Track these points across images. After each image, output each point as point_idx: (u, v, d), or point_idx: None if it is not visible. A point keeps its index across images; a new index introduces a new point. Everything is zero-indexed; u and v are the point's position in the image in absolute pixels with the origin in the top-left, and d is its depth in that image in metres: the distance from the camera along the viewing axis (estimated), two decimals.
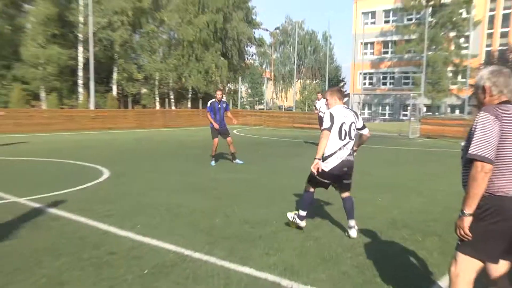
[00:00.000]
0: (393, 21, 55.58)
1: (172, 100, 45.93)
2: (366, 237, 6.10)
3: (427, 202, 8.38)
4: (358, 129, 6.00)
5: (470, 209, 3.08)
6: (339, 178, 6.03)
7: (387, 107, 55.76)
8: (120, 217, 6.87)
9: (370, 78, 58.79)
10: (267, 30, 66.63)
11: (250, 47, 57.82)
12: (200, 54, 43.73)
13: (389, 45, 56.54)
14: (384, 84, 57.70)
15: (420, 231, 6.47)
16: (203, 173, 11.16)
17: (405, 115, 48.77)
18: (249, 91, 76.74)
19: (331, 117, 5.79)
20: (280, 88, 77.78)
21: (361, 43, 52.56)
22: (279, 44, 75.98)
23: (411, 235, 6.24)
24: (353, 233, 6.04)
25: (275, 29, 71.11)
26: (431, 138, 24.97)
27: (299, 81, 71.78)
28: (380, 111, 55.55)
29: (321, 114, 17.44)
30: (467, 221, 3.10)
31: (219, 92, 12.76)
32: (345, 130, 5.82)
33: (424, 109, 48.85)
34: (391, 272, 4.88)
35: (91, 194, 8.42)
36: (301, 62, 74.41)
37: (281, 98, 77.05)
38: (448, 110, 50.10)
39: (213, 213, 7.16)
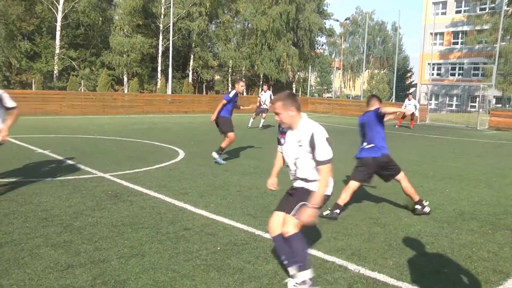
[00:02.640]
0: (465, 11, 53.04)
1: (244, 87, 46.31)
2: (433, 227, 5.86)
3: (497, 195, 7.93)
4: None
5: None
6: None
7: (455, 98, 53.48)
8: (195, 195, 6.98)
9: (439, 69, 56.59)
10: (337, 20, 64.83)
11: (321, 37, 57.01)
12: (273, 43, 43.61)
13: (459, 35, 54.08)
14: (453, 74, 55.40)
15: (490, 223, 6.13)
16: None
17: (473, 107, 46.58)
18: (318, 79, 75.91)
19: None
20: (348, 77, 76.34)
21: (431, 34, 50.44)
22: (348, 34, 74.36)
23: (481, 227, 5.92)
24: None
25: (345, 19, 69.44)
26: (501, 131, 23.68)
27: (367, 70, 70.22)
28: (447, 101, 53.44)
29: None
30: None
31: (242, 84, 10.84)
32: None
33: (494, 100, 46.42)
34: (459, 263, 4.65)
35: (168, 173, 8.61)
36: (369, 52, 72.51)
37: (349, 87, 75.65)
38: None
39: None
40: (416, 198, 6.39)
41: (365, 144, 6.35)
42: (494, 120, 25.28)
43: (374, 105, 6.45)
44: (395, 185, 8.25)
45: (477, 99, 34.99)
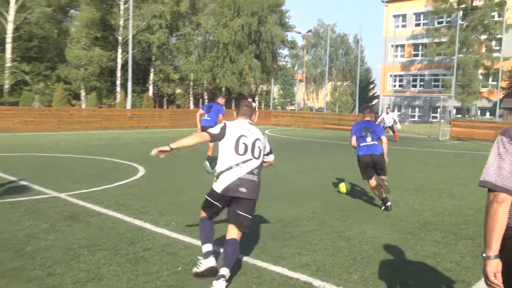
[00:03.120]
0: (423, 24, 54.68)
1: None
2: (398, 239, 5.94)
3: (458, 204, 8.14)
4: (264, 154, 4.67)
5: (489, 250, 2.37)
6: (228, 202, 4.45)
7: (417, 109, 54.86)
8: (155, 214, 6.87)
9: (400, 80, 57.97)
10: (299, 33, 65.80)
11: (283, 49, 57.68)
12: (235, 56, 43.84)
13: (420, 47, 55.64)
14: (414, 86, 56.82)
15: (452, 233, 6.27)
16: None
17: (435, 117, 47.85)
18: (281, 92, 76.52)
19: (223, 127, 4.55)
20: (311, 89, 77.30)
21: (392, 46, 51.83)
22: (311, 46, 75.44)
23: (444, 238, 6.04)
24: (220, 285, 4.08)
25: (308, 32, 70.50)
26: (461, 141, 24.39)
27: (330, 82, 71.28)
28: (409, 113, 54.75)
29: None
30: (491, 265, 2.34)
31: (223, 99, 13.00)
32: (244, 143, 4.48)
33: (454, 111, 47.86)
34: (423, 274, 4.72)
35: (127, 191, 8.46)
36: (332, 64, 73.71)
37: (312, 99, 76.57)
38: (479, 112, 48.96)
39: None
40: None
41: (368, 139, 7.75)
42: (455, 130, 26.05)
43: (368, 116, 8.06)
44: (359, 197, 8.36)
45: (438, 110, 35.98)
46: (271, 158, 4.79)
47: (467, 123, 27.50)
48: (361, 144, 7.75)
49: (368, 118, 8.07)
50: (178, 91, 47.24)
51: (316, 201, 8.07)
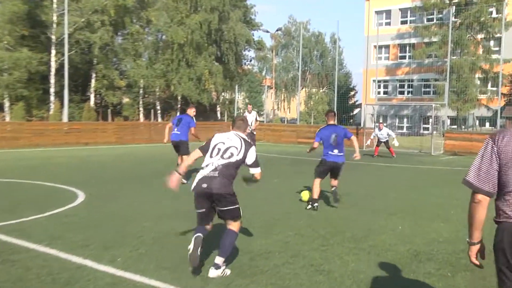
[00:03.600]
0: (411, 21, 55.81)
1: (159, 111, 45.99)
2: (385, 272, 5.98)
3: (456, 230, 8.27)
4: (247, 165, 6.12)
5: (471, 238, 3.34)
6: (205, 200, 5.88)
7: (405, 120, 55.80)
8: (98, 247, 6.75)
9: (385, 87, 58.88)
10: (267, 31, 66.02)
11: (249, 51, 58.13)
12: (192, 59, 43.90)
13: (407, 48, 56.74)
14: (402, 93, 57.76)
15: (449, 264, 6.35)
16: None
17: (426, 129, 48.67)
18: (247, 100, 76.85)
19: (209, 139, 6.26)
20: (282, 97, 77.91)
21: (375, 47, 52.59)
22: (281, 47, 76.24)
23: (438, 270, 6.11)
24: (212, 273, 5.59)
25: (277, 30, 71.13)
26: (458, 156, 24.91)
27: (303, 89, 71.91)
28: (397, 123, 55.53)
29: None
30: (473, 250, 3.36)
31: (194, 109, 14.90)
32: (218, 148, 6.03)
33: (448, 121, 48.58)
34: None
35: (63, 221, 8.31)
36: (306, 68, 74.63)
37: (283, 109, 77.17)
38: (477, 123, 49.69)
39: (208, 243, 7.04)
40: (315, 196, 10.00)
41: (336, 151, 10.03)
42: (450, 143, 26.59)
43: (332, 120, 10.28)
44: (339, 224, 8.42)
45: (430, 120, 36.64)
46: (252, 171, 6.20)
47: (463, 135, 28.09)
48: (329, 152, 10.08)
49: (332, 122, 10.24)
50: (126, 100, 46.96)
51: (290, 229, 8.07)
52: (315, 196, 9.92)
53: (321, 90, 73.16)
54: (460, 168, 19.26)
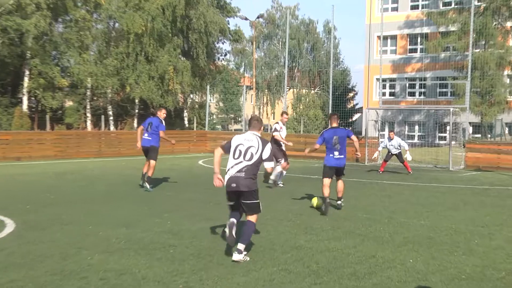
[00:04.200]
0: (423, 6, 55.99)
1: (111, 118, 45.71)
2: None
3: (481, 264, 8.23)
4: (262, 159, 8.73)
5: None
6: (235, 196, 8.66)
7: (417, 127, 55.96)
8: None
9: (392, 87, 59.03)
10: (246, 19, 65.80)
11: (223, 43, 58.33)
12: (153, 53, 43.77)
13: (418, 39, 56.90)
14: (412, 94, 57.95)
15: None
16: (157, 223, 10.94)
17: (443, 138, 48.76)
18: (221, 104, 76.93)
19: (229, 140, 8.95)
20: (265, 100, 77.99)
21: (379, 37, 52.84)
22: (263, 38, 76.50)
23: None
24: (235, 256, 8.11)
25: (258, 17, 71.00)
26: (482, 171, 25.01)
27: (291, 90, 72.07)
28: (406, 132, 55.60)
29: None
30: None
31: (164, 111, 17.44)
32: (240, 150, 8.69)
33: (470, 129, 48.33)
34: None
35: None
36: (294, 64, 74.89)
37: (267, 114, 77.23)
38: (506, 130, 49.37)
39: (171, 284, 6.94)
40: (340, 195, 13.49)
41: (336, 153, 13.09)
42: (472, 156, 26.69)
43: (335, 122, 13.48)
44: (335, 255, 8.35)
45: (448, 127, 36.62)
46: (265, 165, 9.00)
47: (489, 146, 28.12)
48: (330, 155, 13.16)
49: (335, 125, 13.39)
50: (69, 104, 46.54)
51: (274, 263, 8.06)
52: (325, 194, 12.83)
53: (312, 91, 73.30)
54: (487, 186, 19.36)
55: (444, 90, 54.52)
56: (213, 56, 53.58)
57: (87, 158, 28.74)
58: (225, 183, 8.62)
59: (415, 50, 57.54)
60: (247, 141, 8.76)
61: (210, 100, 53.30)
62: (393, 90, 58.99)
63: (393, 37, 58.14)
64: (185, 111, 51.67)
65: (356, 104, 74.70)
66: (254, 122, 9.15)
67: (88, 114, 45.02)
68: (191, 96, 52.83)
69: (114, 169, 23.54)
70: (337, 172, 13.32)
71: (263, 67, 76.06)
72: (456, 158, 27.03)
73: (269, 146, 8.79)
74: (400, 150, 23.68)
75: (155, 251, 8.60)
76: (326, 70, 67.17)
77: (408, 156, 23.82)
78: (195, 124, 43.83)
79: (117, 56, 43.40)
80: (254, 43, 71.79)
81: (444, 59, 52.87)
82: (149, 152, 16.69)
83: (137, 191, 16.21)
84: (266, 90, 76.81)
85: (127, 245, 9.00)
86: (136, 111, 46.97)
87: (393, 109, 52.73)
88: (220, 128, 68.19)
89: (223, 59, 62.19)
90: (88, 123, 44.81)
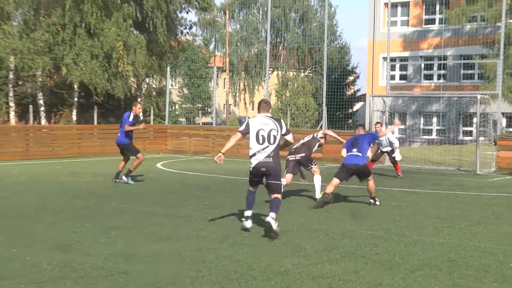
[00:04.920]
0: None
1: (42, 109, 45.39)
2: None
3: None
4: (282, 134, 12.21)
5: None
6: (261, 177, 12.15)
7: (435, 119, 55.99)
8: None
9: (403, 68, 59.02)
10: None
11: (187, 13, 58.11)
12: (96, 24, 43.55)
13: (437, 7, 57.08)
14: (428, 78, 58.02)
15: None
16: (102, 244, 10.86)
17: (468, 133, 48.84)
18: (185, 91, 76.53)
19: (247, 124, 12.19)
20: (242, 85, 77.86)
21: (386, 5, 52.87)
22: (238, 6, 76.35)
23: None
24: (270, 219, 11.52)
25: None
26: None
27: (274, 73, 72.07)
28: (421, 125, 55.73)
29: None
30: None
31: (140, 106, 22.09)
32: (262, 135, 11.93)
33: (504, 121, 48.48)
34: None
35: None
36: (278, 40, 74.84)
37: (244, 103, 77.15)
38: None
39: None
40: (373, 194, 16.45)
41: (354, 150, 15.99)
42: (506, 156, 26.84)
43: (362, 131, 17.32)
44: (331, 285, 8.34)
45: (474, 120, 36.61)
46: (289, 137, 12.49)
47: None
48: (348, 153, 16.14)
49: (361, 133, 17.02)
50: None
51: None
52: (327, 190, 15.67)
53: (302, 74, 73.27)
54: None
55: (469, 72, 54.70)
56: (174, 29, 53.57)
57: (11, 161, 28.59)
58: (252, 166, 12.06)
59: (432, 21, 57.70)
60: (266, 125, 12.03)
61: (172, 85, 53.21)
62: (404, 73, 59.10)
63: (405, 4, 58.31)
64: (139, 99, 51.48)
65: (358, 90, 74.75)
66: (263, 105, 12.49)
67: (11, 104, 44.70)
68: (147, 80, 52.70)
69: (46, 175, 23.41)
70: (357, 173, 16.10)
71: (238, 44, 76.01)
72: (485, 159, 27.14)
73: (282, 121, 12.36)
74: (391, 148, 23.71)
75: (99, 280, 8.49)
76: (320, 47, 67.22)
77: (397, 155, 23.87)
78: (152, 117, 43.58)
79: (49, 28, 43.14)
80: (227, 12, 71.82)
81: (469, 32, 53.06)
82: (123, 150, 21.09)
83: (76, 203, 16.14)
84: (243, 73, 76.67)
85: (62, 273, 8.89)
86: (75, 99, 46.74)
87: (404, 96, 52.94)
88: (184, 121, 67.72)
89: (187, 33, 62.24)
90: (12, 115, 44.50)
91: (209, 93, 71.98)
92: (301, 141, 18.33)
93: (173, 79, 60.33)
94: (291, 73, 72.63)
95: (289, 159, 18.08)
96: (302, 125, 57.63)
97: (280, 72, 72.64)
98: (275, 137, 11.96)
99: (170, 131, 37.19)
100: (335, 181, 15.88)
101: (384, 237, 11.84)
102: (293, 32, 76.28)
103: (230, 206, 15.62)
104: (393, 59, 56.09)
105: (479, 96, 29.92)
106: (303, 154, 18.03)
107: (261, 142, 11.87)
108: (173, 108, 64.69)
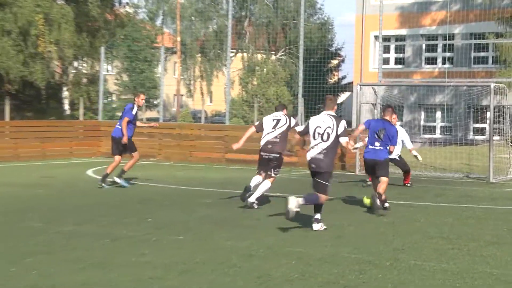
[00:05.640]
0: None
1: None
2: None
3: None
4: (338, 135, 14.52)
5: None
6: (315, 175, 14.81)
7: (439, 115, 56.33)
8: None
9: (399, 50, 59.39)
10: None
11: None
12: None
13: None
14: (431, 61, 58.41)
15: None
16: (13, 274, 10.81)
17: (480, 131, 49.16)
18: (125, 78, 76.32)
19: (307, 124, 15.23)
20: (197, 71, 77.88)
21: None
22: None
23: None
24: (315, 226, 14.60)
25: None
26: None
27: (238, 55, 72.16)
28: (422, 122, 56.03)
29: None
30: None
31: (143, 97, 24.28)
32: (318, 133, 14.58)
33: None
34: None
35: None
36: (243, 14, 75.00)
37: (201, 93, 77.11)
38: None
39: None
40: (383, 197, 17.75)
41: (377, 144, 17.98)
42: None
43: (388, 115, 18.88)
44: None
45: (487, 114, 36.80)
46: (342, 140, 14.80)
47: None
48: (369, 146, 18.10)
49: (387, 118, 18.50)
50: None
51: None
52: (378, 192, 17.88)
53: (273, 57, 73.51)
54: None
55: (481, 54, 55.16)
56: (111, 0, 53.42)
57: None
58: (307, 159, 14.97)
59: None
60: (323, 123, 14.75)
61: (107, 71, 53.16)
62: (401, 55, 59.52)
63: None
64: (64, 88, 51.32)
65: (343, 77, 75.20)
66: (328, 102, 15.27)
67: None
68: (75, 64, 52.57)
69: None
70: (374, 168, 18.41)
71: (193, 18, 76.06)
72: (501, 163, 27.34)
73: (343, 122, 14.80)
74: (398, 153, 23.58)
75: None
76: (295, 24, 67.25)
77: (418, 156, 23.94)
78: (81, 110, 43.37)
79: None
80: None
81: (481, 4, 53.49)
82: (125, 145, 23.16)
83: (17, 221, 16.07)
84: (198, 56, 76.74)
85: None
86: None
87: (401, 85, 53.02)
88: None
89: (127, 3, 62.17)
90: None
91: (155, 80, 71.83)
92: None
93: (109, 62, 60.29)
94: (259, 55, 72.76)
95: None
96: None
97: (245, 54, 72.79)
98: (329, 135, 14.56)
99: (105, 129, 36.73)
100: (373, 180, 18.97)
101: (374, 262, 11.86)
102: (262, 4, 76.47)
103: (180, 224, 15.65)
104: (387, 39, 56.52)
105: (493, 85, 30.12)
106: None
107: (316, 138, 14.70)
108: (109, 99, 64.56)
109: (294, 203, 13.73)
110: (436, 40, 57.60)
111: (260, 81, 67.13)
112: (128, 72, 74.21)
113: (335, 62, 76.16)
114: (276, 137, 18.92)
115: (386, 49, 57.31)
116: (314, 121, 14.92)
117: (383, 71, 34.98)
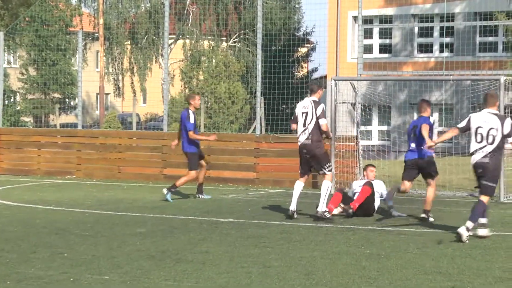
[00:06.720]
0: None
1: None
2: None
3: None
4: (504, 135, 17.22)
5: None
6: (479, 178, 17.51)
7: (436, 116, 56.76)
8: None
9: (385, 34, 59.77)
10: None
11: None
12: None
13: None
14: (425, 49, 58.79)
15: None
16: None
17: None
18: (32, 72, 76.16)
19: (468, 120, 17.69)
20: (126, 63, 77.86)
21: None
22: None
23: None
24: (481, 232, 17.75)
25: None
26: None
27: (179, 42, 72.26)
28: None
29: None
30: None
31: (198, 97, 24.66)
32: (480, 133, 16.96)
33: None
34: None
35: None
36: None
37: (132, 90, 77.10)
38: None
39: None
40: (428, 207, 22.07)
41: (413, 145, 22.17)
42: None
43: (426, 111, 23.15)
44: None
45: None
46: (510, 140, 17.82)
47: None
48: (409, 147, 22.12)
49: (423, 114, 22.30)
50: None
51: None
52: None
53: (224, 45, 73.65)
54: None
55: (489, 39, 55.60)
56: None
57: None
58: (471, 163, 17.15)
59: None
60: (486, 123, 16.71)
61: (9, 63, 53.17)
62: (387, 42, 59.88)
63: None
64: None
65: (314, 70, 75.36)
66: (490, 98, 17.38)
67: None
68: None
69: None
70: (420, 169, 21.80)
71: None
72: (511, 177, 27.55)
73: (508, 120, 16.73)
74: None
75: None
76: (252, 2, 67.42)
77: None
78: None
79: None
80: None
81: None
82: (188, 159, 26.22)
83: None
84: (127, 43, 76.73)
85: None
86: None
87: (387, 80, 53.26)
88: (31, 122, 67.21)
89: None
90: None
91: (72, 75, 71.72)
92: None
93: (11, 52, 60.20)
94: (206, 42, 72.92)
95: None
96: (225, 125, 57.89)
97: (188, 41, 72.93)
98: (493, 137, 16.60)
99: (6, 138, 36.81)
100: (404, 186, 22.07)
101: None
102: None
103: (105, 260, 15.67)
104: (369, 20, 56.88)
105: (503, 79, 30.39)
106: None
107: (478, 140, 16.70)
108: (12, 100, 64.39)
109: (465, 232, 16.06)
110: (432, 21, 58.02)
111: (207, 75, 67.26)
112: (37, 64, 74.04)
113: (303, 50, 76.42)
114: (308, 138, 20.65)
115: (368, 34, 57.63)
116: (475, 120, 16.83)
117: (365, 61, 35.26)
